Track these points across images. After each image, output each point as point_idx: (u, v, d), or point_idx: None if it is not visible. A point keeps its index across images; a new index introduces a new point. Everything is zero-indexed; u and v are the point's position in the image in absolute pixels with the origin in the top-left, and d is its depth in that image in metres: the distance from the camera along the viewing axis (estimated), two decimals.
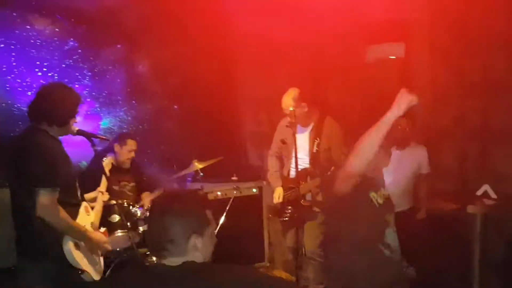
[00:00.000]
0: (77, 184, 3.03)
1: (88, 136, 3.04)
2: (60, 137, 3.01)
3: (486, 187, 3.56)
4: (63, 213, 2.73)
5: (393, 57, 6.08)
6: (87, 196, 3.36)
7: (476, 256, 3.52)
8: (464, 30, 3.95)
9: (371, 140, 2.42)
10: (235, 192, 4.72)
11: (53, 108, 2.83)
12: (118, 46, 5.12)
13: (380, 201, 2.73)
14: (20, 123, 4.27)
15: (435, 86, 4.28)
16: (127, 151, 4.35)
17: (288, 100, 3.95)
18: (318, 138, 4.04)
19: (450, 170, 4.20)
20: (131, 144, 4.37)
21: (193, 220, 1.76)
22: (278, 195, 4.18)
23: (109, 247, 3.08)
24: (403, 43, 4.95)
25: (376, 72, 5.11)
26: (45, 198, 2.66)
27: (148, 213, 3.97)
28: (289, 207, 4.11)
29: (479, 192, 3.59)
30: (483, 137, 3.90)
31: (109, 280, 1.81)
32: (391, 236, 2.73)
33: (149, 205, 4.15)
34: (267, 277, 1.91)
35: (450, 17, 4.06)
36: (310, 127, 4.11)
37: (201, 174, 4.36)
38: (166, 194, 1.91)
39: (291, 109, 3.86)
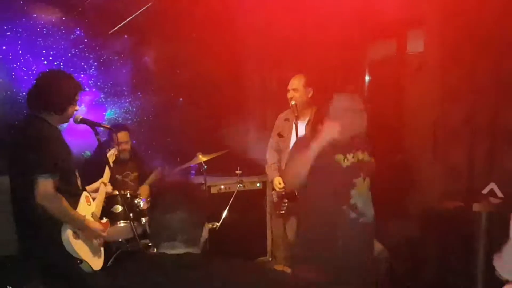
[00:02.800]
0: (77, 174, 3.02)
1: (92, 125, 3.02)
2: (64, 126, 3.00)
3: (492, 186, 3.52)
4: (62, 201, 2.71)
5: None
6: (90, 186, 3.35)
7: (481, 254, 3.49)
8: (475, 29, 3.90)
9: (300, 162, 2.70)
10: (239, 186, 4.69)
11: (51, 95, 2.82)
12: (125, 36, 5.10)
13: (347, 163, 2.79)
14: (25, 111, 4.26)
15: (444, 84, 4.23)
16: (118, 145, 4.27)
17: (294, 80, 4.11)
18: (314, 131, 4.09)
19: (457, 168, 4.16)
20: (120, 137, 4.32)
21: (205, 209, 1.78)
22: (278, 181, 4.23)
23: (105, 236, 3.06)
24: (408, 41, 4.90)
25: (386, 70, 5.07)
26: (44, 185, 2.64)
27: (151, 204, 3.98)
28: (286, 200, 4.18)
29: (485, 191, 3.55)
30: (492, 136, 3.86)
31: (109, 269, 1.79)
32: (358, 198, 2.78)
33: (151, 196, 4.12)
34: (268, 271, 1.90)
35: (462, 16, 4.00)
36: (306, 121, 4.18)
37: (205, 167, 4.34)
38: (172, 185, 1.89)
39: (293, 103, 4.01)
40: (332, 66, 4.93)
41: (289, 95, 4.10)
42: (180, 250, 1.72)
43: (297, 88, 4.08)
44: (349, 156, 2.82)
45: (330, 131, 2.68)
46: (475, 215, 3.51)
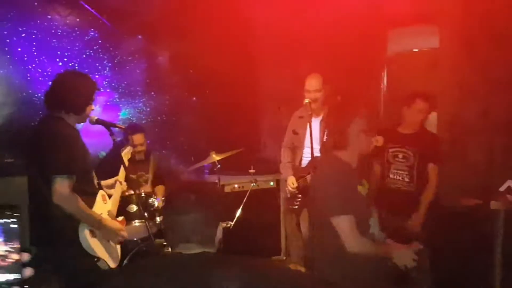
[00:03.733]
0: (94, 173, 3.05)
1: (107, 125, 3.04)
2: (79, 126, 3.02)
3: (510, 183, 3.47)
4: (79, 201, 2.74)
5: (417, 49, 5.99)
6: (105, 182, 3.36)
7: (498, 251, 3.45)
8: (492, 23, 3.85)
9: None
10: (252, 185, 4.69)
11: (69, 95, 2.84)
12: (139, 37, 5.12)
13: (364, 192, 2.79)
14: (40, 112, 4.30)
15: (461, 80, 4.19)
16: (133, 147, 4.27)
17: (314, 81, 4.09)
18: (327, 128, 4.06)
19: (474, 165, 4.12)
20: (136, 139, 4.33)
21: (219, 209, 1.78)
22: (291, 181, 4.26)
23: (126, 235, 3.09)
24: (425, 36, 4.87)
25: (401, 65, 5.03)
26: (62, 186, 2.67)
27: (166, 205, 4.00)
28: (299, 195, 4.23)
29: (502, 188, 3.50)
30: (508, 132, 3.81)
31: (126, 268, 1.80)
32: (374, 227, 2.79)
33: (166, 197, 4.14)
34: (285, 270, 1.90)
35: (478, 11, 3.97)
36: (320, 117, 4.19)
37: (219, 165, 4.34)
38: (188, 185, 1.90)
39: (306, 101, 3.98)
40: (347, 63, 4.91)
41: (311, 96, 4.05)
42: (196, 250, 1.71)
43: (318, 88, 4.05)
44: (364, 183, 2.82)
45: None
46: (492, 213, 3.48)
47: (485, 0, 3.95)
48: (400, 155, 3.94)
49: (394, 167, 3.97)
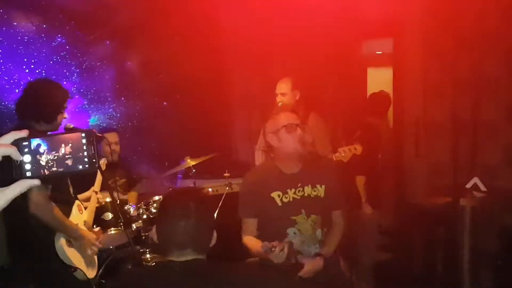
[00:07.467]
0: (69, 182, 3.01)
1: None
2: None
3: (475, 180, 3.61)
4: (55, 210, 2.71)
5: (380, 52, 6.17)
6: (82, 196, 3.34)
7: (466, 247, 3.59)
8: (456, 26, 4.01)
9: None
10: (227, 188, 4.70)
11: (40, 104, 2.81)
12: (107, 42, 5.07)
13: (285, 200, 2.72)
14: (8, 121, 4.22)
15: (426, 81, 4.34)
16: (109, 145, 4.20)
17: (283, 85, 4.12)
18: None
19: (440, 164, 4.27)
20: (111, 138, 4.23)
21: (214, 214, 1.81)
22: None
23: (100, 246, 3.07)
24: (391, 39, 5.01)
25: (367, 69, 5.17)
26: (38, 195, 2.63)
27: (145, 211, 3.99)
28: None
29: (468, 185, 3.64)
30: (474, 130, 3.97)
31: (120, 278, 1.80)
32: (295, 237, 2.72)
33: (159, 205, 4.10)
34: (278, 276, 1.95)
35: (442, 13, 4.11)
36: None
37: (194, 170, 4.35)
38: (182, 192, 1.92)
39: (280, 104, 4.04)
40: (317, 68, 5.00)
41: (278, 99, 4.15)
42: (189, 257, 1.73)
43: (285, 92, 4.12)
44: (290, 192, 2.73)
45: None
46: (460, 210, 3.61)
47: (449, 2, 4.09)
48: None
49: None
